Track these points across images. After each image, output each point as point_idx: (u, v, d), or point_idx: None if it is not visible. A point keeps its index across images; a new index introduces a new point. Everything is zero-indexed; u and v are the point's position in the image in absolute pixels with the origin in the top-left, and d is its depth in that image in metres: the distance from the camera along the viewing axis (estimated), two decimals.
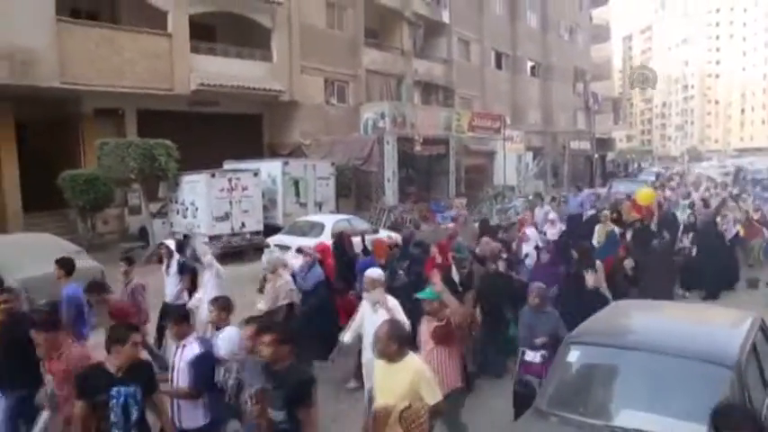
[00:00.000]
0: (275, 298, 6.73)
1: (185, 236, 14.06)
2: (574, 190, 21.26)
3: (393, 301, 5.38)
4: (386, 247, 8.25)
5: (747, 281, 11.46)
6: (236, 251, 15.20)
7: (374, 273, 5.59)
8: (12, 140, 16.76)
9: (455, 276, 7.64)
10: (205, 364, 4.33)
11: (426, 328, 4.81)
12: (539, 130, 36.26)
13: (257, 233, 15.85)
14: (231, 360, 4.63)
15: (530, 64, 38.21)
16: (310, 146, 22.10)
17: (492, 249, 8.19)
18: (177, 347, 4.49)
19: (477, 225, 12.82)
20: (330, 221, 13.80)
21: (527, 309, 5.92)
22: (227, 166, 17.75)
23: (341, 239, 9.19)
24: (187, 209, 15.72)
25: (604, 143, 43.32)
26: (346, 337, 5.57)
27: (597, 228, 10.81)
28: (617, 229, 10.63)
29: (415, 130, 22.49)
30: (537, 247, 9.51)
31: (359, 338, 5.53)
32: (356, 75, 25.08)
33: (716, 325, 4.91)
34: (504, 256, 8.15)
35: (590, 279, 6.40)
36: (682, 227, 12.25)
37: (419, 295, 4.77)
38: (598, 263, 7.57)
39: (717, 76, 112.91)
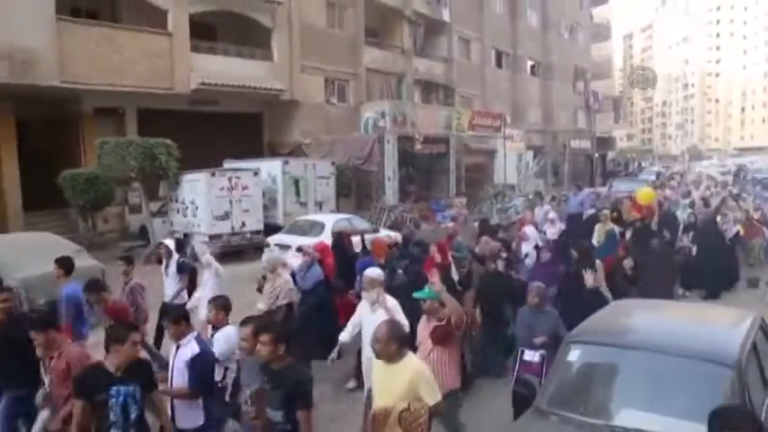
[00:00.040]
0: (275, 298, 6.72)
1: (185, 234, 14.07)
2: (574, 189, 21.26)
3: (392, 301, 5.37)
4: (385, 246, 8.24)
5: (748, 280, 11.45)
6: (237, 250, 15.21)
7: (373, 272, 5.58)
8: (12, 139, 16.75)
9: (454, 276, 7.64)
10: (203, 364, 4.31)
11: (424, 327, 4.78)
12: (539, 128, 36.25)
13: (257, 232, 15.85)
14: (229, 360, 4.62)
15: (530, 63, 38.19)
16: (310, 145, 22.09)
17: (492, 249, 8.18)
18: (175, 347, 4.48)
19: (476, 224, 12.81)
20: (330, 221, 13.79)
21: (526, 308, 5.91)
22: (228, 165, 17.75)
23: (340, 238, 9.19)
24: (187, 208, 15.72)
25: (605, 142, 43.32)
26: (344, 335, 5.56)
27: (597, 227, 10.80)
28: (617, 229, 10.63)
29: (415, 129, 22.48)
30: (536, 247, 9.50)
31: (357, 338, 5.52)
32: (356, 74, 25.07)
33: (716, 324, 4.90)
34: (504, 255, 8.15)
35: (589, 279, 6.38)
36: (682, 226, 12.25)
37: (417, 294, 4.73)
38: (598, 262, 7.56)
39: (717, 75, 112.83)
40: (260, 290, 7.20)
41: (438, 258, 7.55)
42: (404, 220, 18.84)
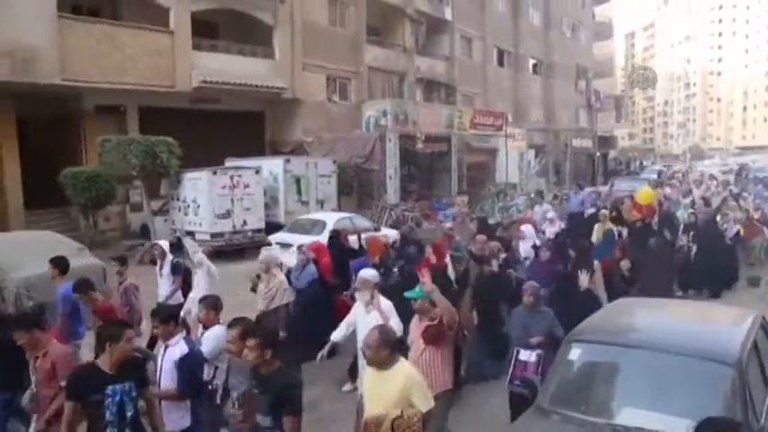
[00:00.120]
0: (270, 299, 6.68)
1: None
2: (575, 188, 21.22)
3: (386, 303, 5.29)
4: (380, 245, 8.19)
5: (748, 279, 11.44)
6: (238, 249, 15.21)
7: (367, 273, 5.51)
8: (13, 137, 16.77)
9: (451, 275, 7.56)
10: (191, 365, 4.25)
11: (417, 327, 4.72)
12: (541, 127, 36.18)
13: (259, 231, 15.86)
14: (218, 359, 4.53)
15: (532, 61, 38.13)
16: (312, 143, 22.08)
17: (491, 248, 8.14)
18: (163, 347, 4.44)
19: (474, 223, 12.78)
20: (332, 219, 13.80)
21: (521, 308, 5.89)
22: (229, 163, 17.73)
23: (337, 237, 9.16)
24: (189, 206, 15.71)
25: (606, 141, 43.26)
26: (335, 335, 5.50)
27: (596, 227, 10.77)
28: (615, 229, 10.60)
29: (417, 128, 22.45)
30: (534, 246, 9.45)
31: (353, 337, 5.44)
32: (358, 72, 25.05)
33: (717, 323, 4.90)
34: (503, 255, 8.11)
35: (584, 280, 6.34)
36: (682, 225, 12.22)
37: (408, 294, 4.66)
38: (596, 263, 7.53)
39: (719, 74, 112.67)
40: (254, 289, 7.06)
41: (433, 259, 7.47)
42: (405, 218, 18.83)
